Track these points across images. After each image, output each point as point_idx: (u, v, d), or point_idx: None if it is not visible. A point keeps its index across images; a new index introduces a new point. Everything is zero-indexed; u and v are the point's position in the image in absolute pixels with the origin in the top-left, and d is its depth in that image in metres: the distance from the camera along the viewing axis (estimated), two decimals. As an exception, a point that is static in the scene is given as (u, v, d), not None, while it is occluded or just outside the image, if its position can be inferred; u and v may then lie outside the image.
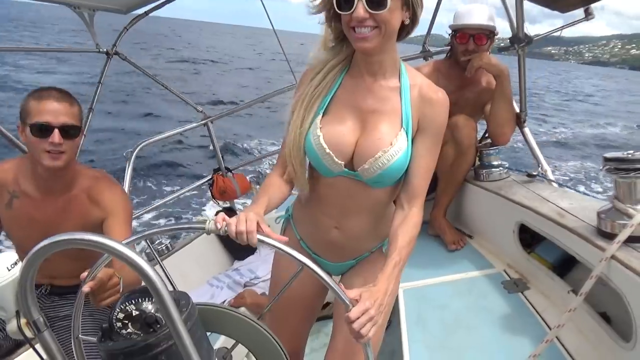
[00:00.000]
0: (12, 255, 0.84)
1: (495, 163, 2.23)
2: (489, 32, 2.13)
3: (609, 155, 1.41)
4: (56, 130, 1.49)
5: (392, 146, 1.16)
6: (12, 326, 0.84)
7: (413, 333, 1.67)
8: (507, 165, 2.25)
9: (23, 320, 0.83)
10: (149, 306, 0.91)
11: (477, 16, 2.14)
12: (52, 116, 1.49)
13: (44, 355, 0.86)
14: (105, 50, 2.71)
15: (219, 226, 1.01)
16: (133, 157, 2.66)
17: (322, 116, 1.22)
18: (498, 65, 2.10)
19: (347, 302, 0.99)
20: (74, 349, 1.13)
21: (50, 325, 1.89)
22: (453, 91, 2.25)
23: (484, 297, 1.81)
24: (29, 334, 0.84)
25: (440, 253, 2.23)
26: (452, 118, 2.17)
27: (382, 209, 1.31)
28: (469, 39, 2.13)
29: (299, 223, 1.41)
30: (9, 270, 0.81)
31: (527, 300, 1.74)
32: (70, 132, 1.52)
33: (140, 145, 2.75)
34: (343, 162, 1.20)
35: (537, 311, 1.66)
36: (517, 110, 2.23)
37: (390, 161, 1.16)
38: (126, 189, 2.54)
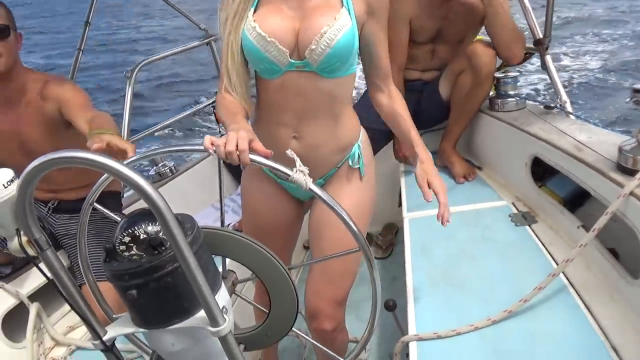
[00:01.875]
0: (7, 171, 0.80)
1: (511, 92, 2.14)
2: None
3: (639, 86, 1.33)
4: None
5: (337, 20, 1.12)
6: (13, 244, 0.82)
7: (417, 261, 1.67)
8: (524, 96, 2.15)
9: (24, 239, 0.81)
10: (153, 229, 0.89)
11: None
12: None
13: (48, 274, 0.84)
14: None
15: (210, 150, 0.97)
16: (134, 76, 2.56)
17: (254, 13, 1.16)
18: None
19: (355, 229, 1.00)
20: (81, 266, 1.13)
21: (61, 243, 1.92)
22: (441, 15, 2.11)
23: (490, 229, 1.80)
24: (31, 252, 0.82)
25: (448, 184, 2.18)
26: (470, 45, 2.04)
27: (340, 108, 1.27)
28: None
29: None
30: (5, 187, 0.77)
31: (535, 233, 1.72)
32: (3, 31, 1.53)
33: (142, 64, 2.64)
34: (288, 51, 1.14)
35: (544, 245, 1.65)
36: (540, 34, 2.09)
37: (337, 36, 1.12)
38: (127, 110, 2.47)
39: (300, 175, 1.01)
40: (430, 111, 2.30)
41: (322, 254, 1.39)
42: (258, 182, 1.41)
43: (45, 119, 1.64)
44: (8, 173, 0.80)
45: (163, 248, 0.83)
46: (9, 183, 0.78)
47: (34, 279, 1.80)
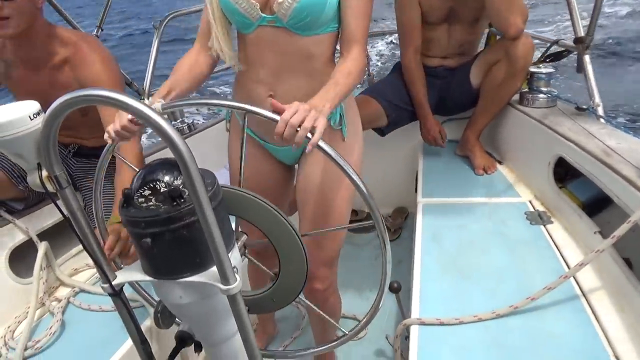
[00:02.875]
0: (34, 104, 0.78)
1: (543, 89, 2.08)
2: None
3: None
4: None
5: None
6: (33, 178, 0.81)
7: (427, 247, 1.66)
8: (556, 93, 2.09)
9: (44, 173, 0.80)
10: (173, 180, 0.88)
11: None
12: None
13: (65, 211, 0.84)
14: None
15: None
16: (162, 27, 2.53)
17: None
18: None
19: (275, 117, 0.96)
20: (94, 211, 1.13)
21: (77, 185, 1.91)
22: None
23: (504, 224, 1.77)
24: (50, 188, 0.81)
25: (465, 174, 2.16)
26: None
27: (317, 67, 1.24)
28: None
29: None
30: (32, 119, 0.76)
31: (549, 234, 1.70)
32: None
33: (171, 16, 2.60)
34: (258, 4, 1.13)
35: (557, 246, 1.63)
36: (582, 33, 2.02)
37: None
38: (152, 61, 2.45)
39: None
40: (457, 98, 2.25)
41: (311, 220, 1.40)
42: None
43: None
44: (35, 105, 0.78)
45: (182, 200, 0.82)
46: (35, 115, 0.77)
47: (44, 218, 1.81)
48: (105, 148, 1.08)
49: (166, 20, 2.57)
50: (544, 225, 1.75)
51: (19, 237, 1.72)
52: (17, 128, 0.75)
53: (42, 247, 1.68)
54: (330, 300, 1.56)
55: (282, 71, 1.22)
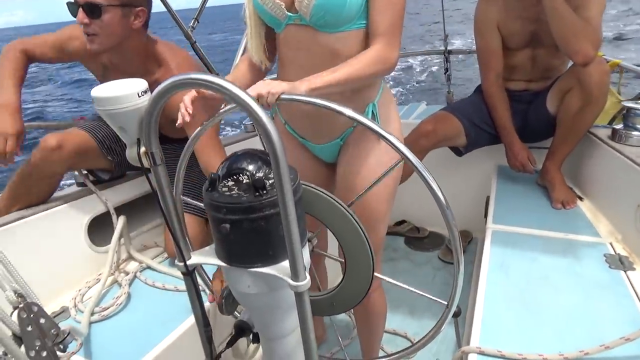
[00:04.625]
0: (143, 82, 0.83)
1: (639, 126, 1.95)
2: None
3: None
4: (80, 9, 1.43)
5: None
6: (132, 152, 0.85)
7: (493, 276, 1.59)
8: (653, 132, 1.95)
9: (142, 149, 0.84)
10: (256, 170, 0.90)
11: None
12: None
13: (154, 185, 0.88)
14: None
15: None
16: None
17: None
18: None
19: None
20: (174, 191, 1.18)
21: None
22: (531, 17, 1.97)
23: (580, 264, 1.67)
24: (145, 163, 0.85)
25: (543, 205, 2.06)
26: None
27: None
28: None
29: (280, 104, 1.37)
30: (139, 97, 0.80)
31: (630, 281, 1.58)
32: (92, 9, 1.44)
33: None
34: (283, 4, 1.17)
35: (638, 295, 1.51)
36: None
37: None
38: (239, 55, 2.52)
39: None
40: (536, 125, 2.16)
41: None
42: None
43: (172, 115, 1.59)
44: (143, 83, 0.83)
45: (264, 191, 0.84)
46: (143, 93, 0.81)
47: (123, 192, 1.92)
48: (195, 132, 1.12)
49: None
50: (625, 271, 1.63)
51: (99, 208, 1.83)
52: (126, 103, 0.80)
53: (120, 221, 1.77)
54: (373, 295, 1.54)
55: (310, 69, 1.21)
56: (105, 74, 1.74)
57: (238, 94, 0.70)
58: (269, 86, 1.01)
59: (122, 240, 1.83)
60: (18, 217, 1.60)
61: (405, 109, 3.29)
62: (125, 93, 0.79)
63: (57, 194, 1.79)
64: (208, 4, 2.53)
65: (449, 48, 3.18)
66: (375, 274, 1.08)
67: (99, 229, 1.85)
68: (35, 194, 1.67)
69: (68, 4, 1.48)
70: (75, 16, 1.47)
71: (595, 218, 1.97)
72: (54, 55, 1.71)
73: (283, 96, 1.03)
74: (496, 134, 2.18)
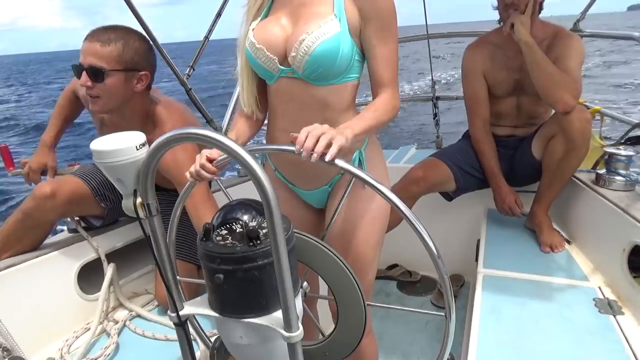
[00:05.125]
0: (141, 135, 0.86)
1: (622, 171, 2.00)
2: None
3: None
4: (84, 72, 1.46)
5: (319, 28, 1.14)
6: (128, 203, 0.87)
7: (485, 321, 1.59)
8: (635, 178, 2.01)
9: (138, 200, 0.86)
10: (250, 220, 0.91)
11: None
12: (82, 56, 1.47)
13: (150, 235, 0.89)
14: None
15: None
16: None
17: (258, 23, 1.25)
18: (523, 32, 1.87)
19: (291, 148, 1.00)
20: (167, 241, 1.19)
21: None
22: (515, 66, 2.07)
23: (570, 309, 1.67)
24: (141, 213, 0.87)
25: (531, 249, 2.08)
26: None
27: (336, 116, 1.26)
28: None
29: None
30: (138, 149, 0.83)
31: (619, 325, 1.58)
32: (95, 74, 1.46)
33: None
34: (276, 58, 1.20)
35: (627, 340, 1.51)
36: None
37: (315, 43, 1.14)
38: (232, 103, 2.58)
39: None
40: (522, 170, 2.22)
41: None
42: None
43: (160, 176, 1.62)
44: (142, 137, 0.86)
45: (258, 241, 0.85)
46: (141, 146, 0.84)
47: (114, 239, 1.92)
48: (185, 186, 1.14)
49: None
50: (614, 316, 1.63)
51: (90, 255, 1.82)
52: (125, 156, 0.82)
53: (110, 268, 1.76)
54: (365, 342, 1.52)
55: (301, 119, 1.24)
56: (103, 128, 1.77)
57: (233, 147, 0.73)
58: (331, 137, 0.99)
59: (112, 287, 1.81)
60: (8, 265, 1.59)
61: (395, 152, 3.35)
62: (124, 146, 0.82)
63: (48, 240, 1.79)
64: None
65: (437, 94, 3.28)
66: (369, 303, 1.08)
67: (88, 275, 1.83)
68: (27, 241, 1.67)
69: (73, 66, 1.50)
70: (79, 78, 1.49)
71: (583, 261, 1.99)
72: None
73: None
74: (485, 179, 2.23)
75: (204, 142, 0.76)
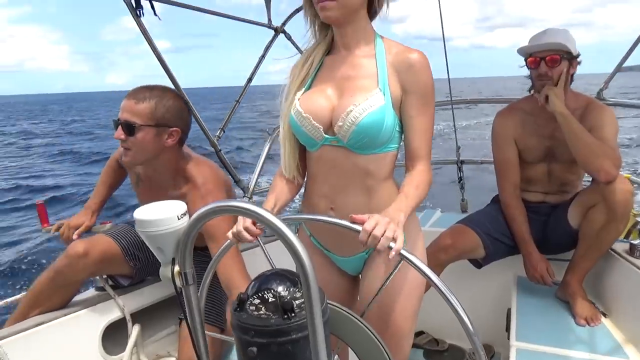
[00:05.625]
0: (182, 205, 0.88)
1: (658, 243, 1.95)
2: (564, 53, 1.92)
3: None
4: (119, 126, 1.58)
5: (366, 100, 1.20)
6: (166, 271, 0.88)
7: None
8: (672, 249, 1.95)
9: (176, 269, 0.87)
10: (284, 291, 0.91)
11: (549, 36, 1.94)
12: (120, 111, 1.60)
13: (185, 305, 0.89)
14: (274, 26, 2.85)
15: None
16: (274, 134, 2.76)
17: (304, 93, 1.31)
18: (558, 104, 1.87)
19: (357, 227, 1.02)
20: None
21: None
22: (546, 134, 2.06)
23: (610, 388, 1.58)
24: (177, 282, 0.88)
25: (565, 321, 2.00)
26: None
27: (375, 184, 1.29)
28: (540, 62, 1.93)
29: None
30: (179, 219, 0.85)
31: None
32: (129, 128, 1.56)
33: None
34: (322, 127, 1.25)
35: None
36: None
37: (362, 114, 1.19)
38: (260, 164, 2.65)
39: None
40: (555, 238, 2.17)
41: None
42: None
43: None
44: (183, 207, 0.88)
45: (293, 314, 0.85)
46: (182, 216, 0.86)
47: (140, 299, 1.92)
48: (223, 246, 1.15)
49: (277, 130, 2.81)
50: None
51: (115, 314, 1.82)
52: (166, 225, 0.84)
53: (135, 329, 1.76)
54: None
55: (342, 187, 1.30)
56: (139, 183, 1.84)
57: (272, 220, 0.74)
58: (394, 231, 1.02)
59: (135, 347, 1.79)
60: (37, 323, 1.60)
61: (420, 215, 3.33)
62: (166, 216, 0.84)
63: (75, 297, 1.80)
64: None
65: (461, 158, 3.29)
66: None
67: (113, 333, 1.82)
68: (56, 299, 1.69)
69: (113, 121, 1.62)
70: (115, 131, 1.60)
71: (622, 337, 1.90)
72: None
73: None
74: (514, 245, 2.18)
75: (243, 215, 0.78)
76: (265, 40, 2.90)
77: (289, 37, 2.99)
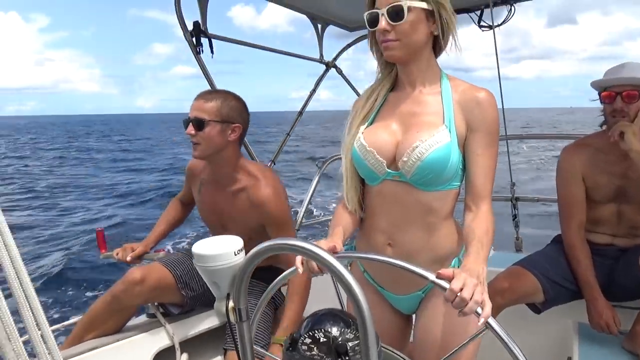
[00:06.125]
0: (239, 241, 0.89)
1: None
2: None
3: None
4: (190, 123, 1.75)
5: (432, 137, 1.19)
6: (220, 305, 0.89)
7: None
8: None
9: (231, 305, 0.87)
10: (337, 332, 0.89)
11: (628, 70, 1.84)
12: (190, 111, 1.77)
13: (238, 341, 0.89)
14: (326, 61, 2.90)
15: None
16: (324, 167, 2.77)
17: (367, 127, 1.31)
18: (634, 142, 1.75)
19: (444, 284, 0.97)
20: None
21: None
22: (618, 172, 1.94)
23: None
24: (231, 317, 0.87)
25: None
26: None
27: (436, 221, 1.27)
28: (616, 97, 1.82)
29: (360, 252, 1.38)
30: (235, 255, 0.86)
31: None
32: (199, 124, 1.73)
33: (333, 159, 2.86)
34: (385, 161, 1.24)
35: None
36: None
37: (428, 150, 1.18)
38: (308, 196, 2.66)
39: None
40: (623, 284, 2.02)
41: None
42: None
43: (248, 218, 1.83)
44: (239, 242, 0.88)
45: (347, 357, 0.82)
46: (238, 252, 0.87)
47: (189, 326, 1.94)
48: (286, 272, 1.14)
49: (328, 162, 2.83)
50: None
51: (165, 342, 1.84)
52: (223, 261, 0.85)
53: (183, 358, 1.76)
54: None
55: (402, 222, 1.27)
56: (201, 189, 1.96)
57: (331, 262, 0.73)
58: (482, 294, 0.99)
59: (182, 377, 1.80)
60: (92, 347, 1.64)
61: None
62: (223, 252, 0.85)
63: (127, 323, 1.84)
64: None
65: (516, 195, 3.18)
66: None
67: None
68: (110, 324, 1.74)
69: (184, 120, 1.78)
70: (186, 129, 1.77)
71: None
72: (188, 187, 2.08)
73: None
74: (577, 290, 2.05)
75: (300, 254, 0.77)
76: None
77: (340, 72, 3.04)
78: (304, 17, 2.78)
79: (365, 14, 1.22)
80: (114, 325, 1.76)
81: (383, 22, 1.18)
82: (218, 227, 1.93)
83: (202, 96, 1.79)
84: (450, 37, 1.26)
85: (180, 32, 2.25)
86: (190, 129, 1.75)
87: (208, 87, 2.36)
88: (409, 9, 1.16)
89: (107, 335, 1.74)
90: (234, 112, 1.81)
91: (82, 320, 1.77)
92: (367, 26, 1.24)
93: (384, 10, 1.17)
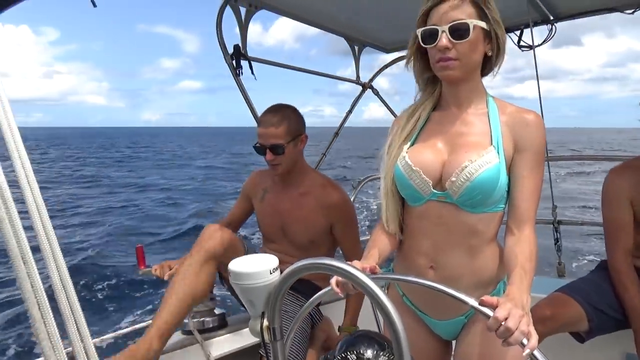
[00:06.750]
0: (274, 259, 0.90)
1: None
2: None
3: None
4: (268, 150, 1.87)
5: (481, 157, 1.16)
6: (255, 324, 0.89)
7: None
8: None
9: (265, 323, 0.88)
10: (371, 355, 0.88)
11: None
12: (262, 139, 1.88)
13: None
14: (362, 82, 2.93)
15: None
16: (359, 187, 2.77)
17: (410, 147, 1.28)
18: None
19: (487, 312, 0.92)
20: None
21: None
22: None
23: None
24: (265, 337, 0.88)
25: None
26: None
27: (480, 244, 1.23)
28: None
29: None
30: (271, 273, 0.86)
31: None
32: (277, 149, 1.86)
33: (368, 179, 2.86)
34: (431, 182, 1.21)
35: None
36: None
37: (478, 171, 1.15)
38: None
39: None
40: None
41: None
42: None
43: (315, 219, 1.92)
44: (275, 261, 0.89)
45: (380, 380, 0.81)
46: (274, 270, 0.87)
47: (225, 344, 1.96)
48: (321, 292, 1.13)
49: (363, 182, 2.83)
50: None
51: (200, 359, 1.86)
52: (258, 279, 0.86)
53: None
54: None
55: (445, 245, 1.23)
56: (264, 196, 2.08)
57: (366, 282, 0.73)
58: (528, 324, 0.95)
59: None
60: None
61: None
62: (259, 270, 0.86)
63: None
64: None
65: (558, 218, 3.08)
66: None
67: None
68: (202, 277, 1.70)
69: (256, 147, 1.91)
70: (264, 155, 1.89)
71: None
72: (243, 207, 2.18)
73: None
74: (623, 319, 1.95)
75: (334, 273, 0.77)
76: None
77: (376, 93, 3.06)
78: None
79: (421, 29, 1.18)
80: (205, 278, 1.71)
81: (444, 40, 1.14)
82: (277, 232, 2.02)
83: (269, 121, 1.88)
84: (501, 58, 1.24)
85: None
86: (270, 156, 1.87)
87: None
88: (474, 27, 1.14)
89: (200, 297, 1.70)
90: (299, 124, 1.95)
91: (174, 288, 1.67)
92: (421, 42, 1.19)
93: (446, 27, 1.14)
